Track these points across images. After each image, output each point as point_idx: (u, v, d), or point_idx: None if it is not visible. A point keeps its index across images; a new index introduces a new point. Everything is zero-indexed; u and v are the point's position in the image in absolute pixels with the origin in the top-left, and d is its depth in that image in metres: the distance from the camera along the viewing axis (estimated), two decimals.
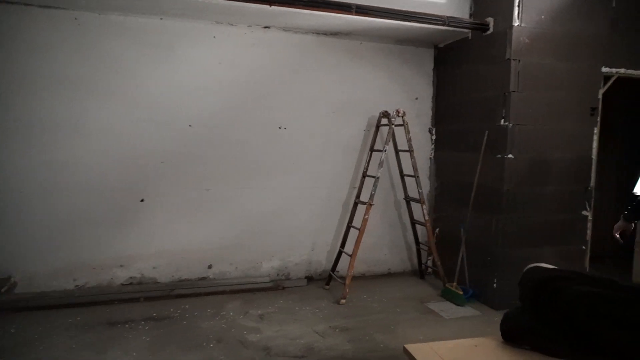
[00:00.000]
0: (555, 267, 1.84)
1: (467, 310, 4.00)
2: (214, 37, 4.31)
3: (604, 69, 4.12)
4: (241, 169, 4.47)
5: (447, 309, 4.05)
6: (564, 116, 4.04)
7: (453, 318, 3.85)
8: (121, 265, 4.24)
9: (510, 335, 1.67)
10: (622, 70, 4.18)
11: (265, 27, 4.44)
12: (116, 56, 4.06)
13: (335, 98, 4.73)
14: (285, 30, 4.49)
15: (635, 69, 4.21)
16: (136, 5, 3.83)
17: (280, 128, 4.57)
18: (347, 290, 4.17)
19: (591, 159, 4.18)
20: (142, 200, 4.23)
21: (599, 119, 4.17)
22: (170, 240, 4.34)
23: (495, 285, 4.03)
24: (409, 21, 4.01)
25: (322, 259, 4.84)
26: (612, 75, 4.17)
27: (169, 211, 4.31)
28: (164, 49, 4.18)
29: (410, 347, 1.67)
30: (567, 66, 4.00)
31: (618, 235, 3.02)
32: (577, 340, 1.46)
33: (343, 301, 4.12)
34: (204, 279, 4.45)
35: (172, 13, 4.04)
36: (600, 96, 4.15)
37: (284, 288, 4.49)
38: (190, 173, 4.34)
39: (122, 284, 4.26)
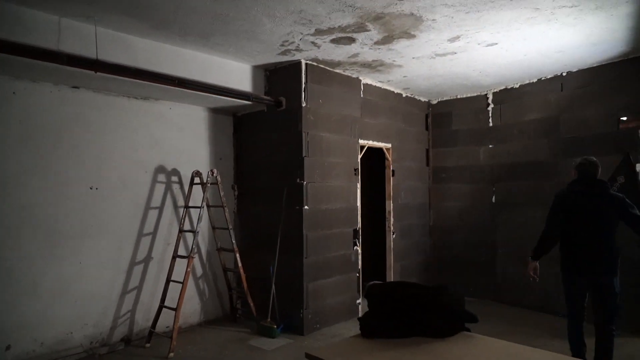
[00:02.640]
0: (385, 282, 2.76)
1: (282, 341, 4.69)
2: (14, 93, 3.99)
3: (360, 141, 5.67)
4: (44, 232, 4.12)
5: (266, 342, 4.65)
6: (338, 175, 5.34)
7: (273, 349, 4.48)
8: None
9: (367, 332, 2.44)
10: (370, 142, 5.83)
11: (74, 87, 4.35)
12: None
13: (146, 159, 4.90)
14: (95, 91, 4.49)
15: (375, 141, 5.93)
16: None
17: (91, 188, 4.44)
18: (175, 343, 4.31)
19: (357, 207, 5.60)
20: None
21: (359, 177, 5.67)
22: None
23: (301, 314, 4.87)
24: (224, 95, 4.69)
25: (139, 319, 4.77)
26: (365, 145, 5.77)
27: None
28: None
29: (314, 352, 2.27)
30: (338, 138, 5.36)
31: (532, 274, 3.71)
32: (408, 324, 2.35)
33: (171, 355, 4.23)
34: None
35: None
36: (359, 160, 5.67)
37: (101, 355, 4.25)
38: None
39: None
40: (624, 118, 4.89)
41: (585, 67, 5.22)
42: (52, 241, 4.17)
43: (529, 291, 5.73)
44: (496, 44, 4.45)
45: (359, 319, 2.54)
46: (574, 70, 5.32)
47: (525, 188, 5.86)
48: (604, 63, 5.06)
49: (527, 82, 5.82)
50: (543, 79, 5.65)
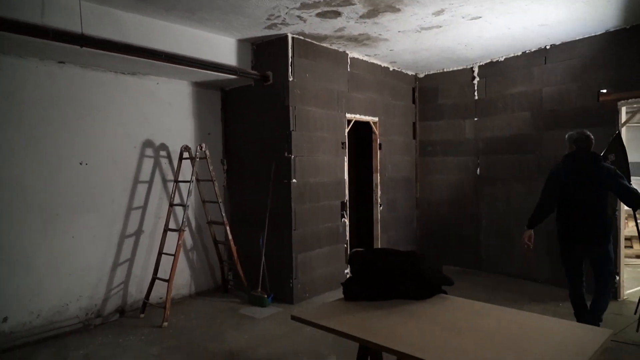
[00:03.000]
0: (368, 249, 2.90)
1: (272, 309, 4.86)
2: (0, 69, 3.98)
3: (347, 115, 5.74)
4: (36, 208, 4.18)
5: (256, 311, 4.82)
6: (326, 149, 5.43)
7: (264, 317, 4.65)
8: None
9: (350, 296, 2.60)
10: (357, 116, 5.90)
11: (60, 63, 4.34)
12: None
13: (135, 134, 4.94)
14: (82, 66, 4.49)
15: (363, 115, 6.01)
16: None
17: (81, 164, 4.49)
18: (168, 312, 4.46)
19: (345, 180, 5.72)
20: None
21: (347, 151, 5.76)
22: None
23: (291, 284, 5.04)
24: (212, 70, 4.71)
25: (132, 291, 4.90)
26: (352, 120, 5.85)
27: None
28: None
29: (299, 314, 2.44)
30: (325, 112, 5.42)
31: (527, 241, 3.89)
32: (388, 288, 2.50)
33: (165, 324, 4.39)
34: None
35: None
36: (346, 134, 5.74)
37: (96, 326, 4.40)
38: None
39: None
40: (604, 91, 5.00)
41: (569, 40, 5.29)
42: (45, 216, 4.24)
43: (510, 260, 5.96)
44: (480, 17, 4.49)
45: (342, 283, 2.68)
46: (558, 43, 5.40)
47: (508, 161, 6.00)
48: (587, 36, 5.14)
49: (512, 55, 5.88)
50: (527, 52, 5.72)
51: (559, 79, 5.43)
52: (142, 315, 4.69)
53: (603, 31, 4.98)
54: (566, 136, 3.86)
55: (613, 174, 3.56)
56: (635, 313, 3.87)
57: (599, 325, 3.53)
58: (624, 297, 5.00)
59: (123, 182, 4.84)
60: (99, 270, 4.64)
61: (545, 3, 4.14)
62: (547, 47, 5.50)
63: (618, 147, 4.28)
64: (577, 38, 5.20)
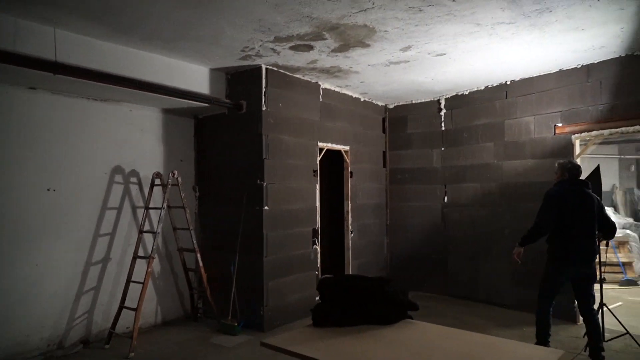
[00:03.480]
0: (336, 275, 2.97)
1: (243, 337, 4.82)
2: None
3: (320, 143, 5.88)
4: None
5: (227, 340, 4.76)
6: (298, 177, 5.52)
7: (234, 345, 4.60)
8: None
9: (319, 322, 2.64)
10: (329, 144, 6.05)
11: (31, 88, 4.32)
12: None
13: (107, 160, 4.91)
14: (53, 92, 4.48)
15: (334, 144, 6.16)
16: None
17: (49, 190, 4.42)
18: (135, 342, 4.35)
19: (316, 207, 5.80)
20: None
21: (318, 179, 5.87)
22: None
23: (262, 312, 5.02)
24: (185, 98, 4.78)
25: (97, 320, 4.77)
26: (324, 148, 5.98)
27: None
28: None
29: (269, 340, 2.45)
30: (298, 141, 5.54)
31: (516, 257, 4.11)
32: (355, 313, 2.56)
33: (132, 354, 4.28)
34: None
35: None
36: (318, 162, 5.87)
37: (57, 358, 4.24)
38: None
39: None
40: (560, 124, 5.33)
41: (527, 77, 5.64)
42: (9, 243, 4.13)
43: (476, 286, 6.13)
44: (445, 54, 4.76)
45: (311, 310, 2.73)
46: (517, 79, 5.74)
47: (473, 189, 6.25)
48: (543, 74, 5.49)
49: (476, 89, 6.21)
50: (490, 86, 6.05)
51: (518, 112, 5.76)
52: (107, 346, 4.56)
53: (557, 70, 5.34)
54: (558, 164, 4.19)
55: (599, 203, 3.98)
56: (583, 336, 4.06)
57: (603, 349, 3.83)
58: (581, 323, 5.19)
59: (91, 209, 4.78)
60: (63, 298, 4.51)
61: (503, 43, 4.44)
62: (508, 82, 5.84)
63: (595, 180, 4.49)
64: (535, 75, 5.56)
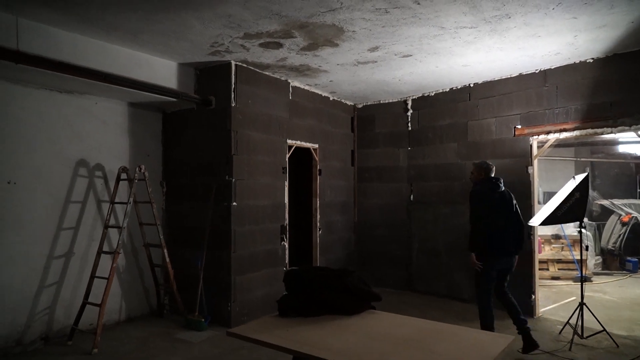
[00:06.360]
0: (302, 267, 3.04)
1: (209, 333, 4.82)
2: None
3: (289, 141, 5.94)
4: None
5: (193, 335, 4.76)
6: (266, 173, 5.56)
7: (200, 341, 4.60)
8: None
9: (284, 312, 2.72)
10: (298, 142, 6.12)
11: None
12: None
13: (69, 153, 4.82)
14: (12, 82, 4.36)
15: (303, 141, 6.24)
16: None
17: (9, 183, 4.31)
18: (99, 339, 4.30)
19: (285, 204, 5.86)
20: None
21: (287, 175, 5.93)
22: None
23: (229, 307, 5.04)
24: (152, 92, 4.75)
25: (59, 316, 4.67)
26: (293, 145, 6.05)
27: None
28: None
29: (235, 330, 2.52)
30: (267, 137, 5.58)
31: (474, 264, 4.17)
32: (319, 303, 2.65)
33: (95, 350, 4.23)
34: None
35: None
36: (287, 159, 5.93)
37: (15, 355, 4.15)
38: None
39: None
40: (519, 126, 5.58)
41: (489, 80, 5.87)
42: None
43: (438, 281, 6.33)
44: (411, 55, 4.91)
45: (277, 300, 2.80)
46: (480, 82, 5.97)
47: (437, 187, 6.45)
48: (503, 77, 5.73)
49: (441, 90, 6.41)
50: (454, 88, 6.26)
51: (480, 113, 5.99)
52: (69, 343, 4.48)
53: (517, 74, 5.59)
54: (477, 163, 4.44)
55: (513, 199, 4.35)
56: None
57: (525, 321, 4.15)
58: (539, 315, 5.47)
59: (54, 202, 4.68)
60: (22, 293, 4.40)
61: (466, 47, 4.62)
62: (471, 84, 6.06)
63: (583, 188, 4.68)
64: (496, 79, 5.80)
